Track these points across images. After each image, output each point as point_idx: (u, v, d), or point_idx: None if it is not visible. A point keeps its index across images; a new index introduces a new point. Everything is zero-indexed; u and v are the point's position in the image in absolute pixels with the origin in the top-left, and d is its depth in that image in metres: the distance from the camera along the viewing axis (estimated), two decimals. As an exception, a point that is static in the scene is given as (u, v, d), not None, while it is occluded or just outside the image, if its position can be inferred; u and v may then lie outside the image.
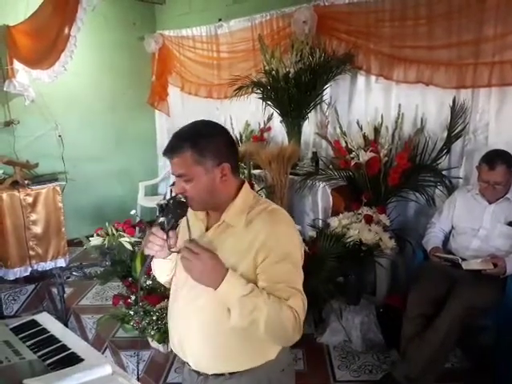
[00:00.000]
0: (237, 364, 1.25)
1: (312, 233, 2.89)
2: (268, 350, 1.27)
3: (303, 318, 1.18)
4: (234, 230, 1.22)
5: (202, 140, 1.18)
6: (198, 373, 1.30)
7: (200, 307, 1.22)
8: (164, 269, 1.36)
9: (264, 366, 1.26)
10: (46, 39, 3.86)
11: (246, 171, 3.25)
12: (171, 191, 3.69)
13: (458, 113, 2.85)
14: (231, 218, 1.22)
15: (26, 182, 3.76)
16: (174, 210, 1.18)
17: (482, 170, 2.42)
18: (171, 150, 1.19)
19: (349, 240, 2.67)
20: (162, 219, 1.19)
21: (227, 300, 1.15)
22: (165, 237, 1.19)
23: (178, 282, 1.32)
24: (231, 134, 1.30)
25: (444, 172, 2.96)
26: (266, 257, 1.17)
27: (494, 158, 2.37)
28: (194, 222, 1.29)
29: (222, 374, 1.26)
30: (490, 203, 2.46)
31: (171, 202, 1.18)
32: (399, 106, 3.10)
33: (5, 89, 4.06)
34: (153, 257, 1.24)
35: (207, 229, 1.28)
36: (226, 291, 1.13)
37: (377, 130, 3.07)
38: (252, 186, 3.04)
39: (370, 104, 3.40)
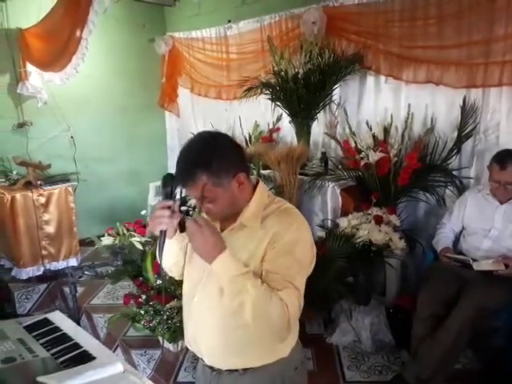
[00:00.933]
0: (250, 360, 1.26)
1: (321, 233, 2.88)
2: (280, 347, 1.28)
3: (295, 314, 1.18)
4: (250, 229, 1.24)
5: (214, 162, 1.16)
6: (211, 368, 1.32)
7: (213, 304, 1.24)
8: (170, 250, 1.33)
9: (277, 364, 1.28)
10: (58, 42, 3.90)
11: (255, 172, 3.26)
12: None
13: (468, 112, 2.83)
14: (247, 220, 1.24)
15: (39, 182, 3.81)
16: (171, 181, 1.26)
17: (493, 169, 2.40)
18: (185, 179, 1.19)
19: (358, 240, 2.66)
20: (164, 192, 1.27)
21: (220, 277, 1.15)
22: (171, 202, 1.23)
23: (192, 279, 1.34)
24: (233, 136, 1.30)
25: (454, 172, 2.94)
26: (272, 250, 1.19)
27: (505, 157, 2.35)
28: None
29: (236, 370, 1.28)
30: (502, 203, 2.45)
31: (168, 176, 1.26)
32: (409, 105, 3.09)
33: (18, 91, 4.13)
34: (165, 234, 1.25)
35: (221, 230, 1.29)
36: (220, 268, 1.14)
37: (386, 130, 3.06)
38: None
39: (380, 104, 3.39)
